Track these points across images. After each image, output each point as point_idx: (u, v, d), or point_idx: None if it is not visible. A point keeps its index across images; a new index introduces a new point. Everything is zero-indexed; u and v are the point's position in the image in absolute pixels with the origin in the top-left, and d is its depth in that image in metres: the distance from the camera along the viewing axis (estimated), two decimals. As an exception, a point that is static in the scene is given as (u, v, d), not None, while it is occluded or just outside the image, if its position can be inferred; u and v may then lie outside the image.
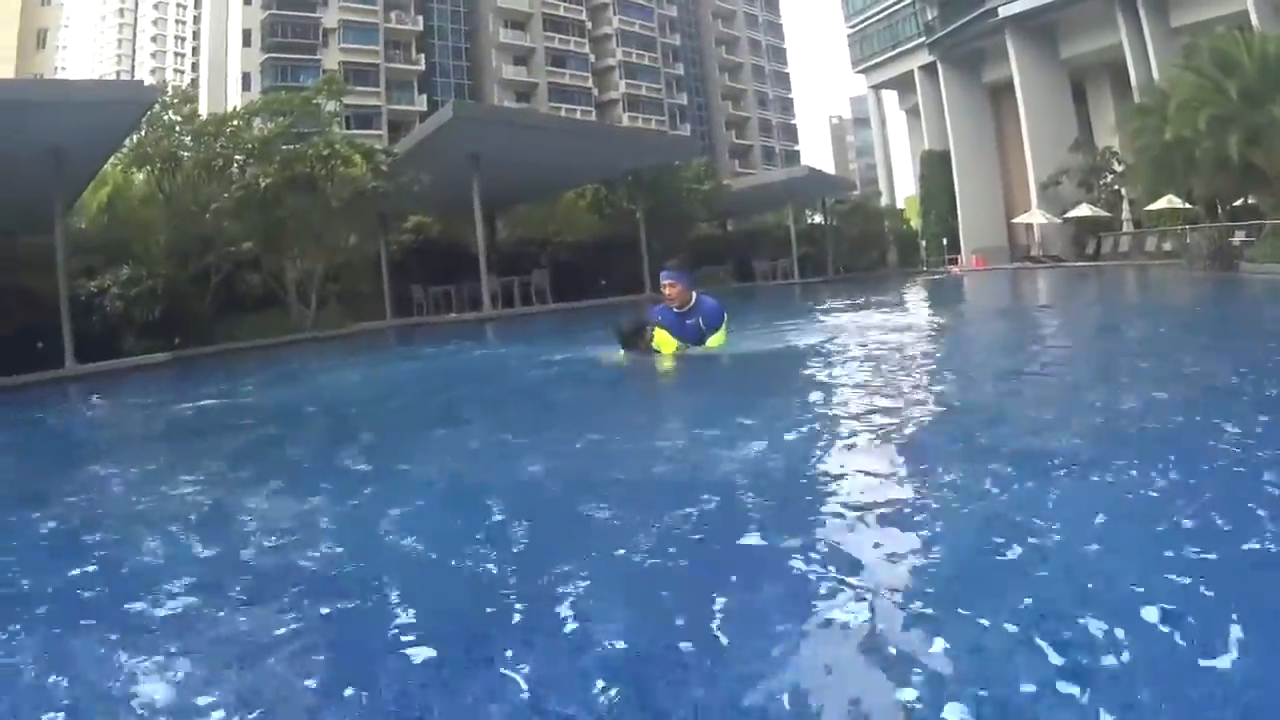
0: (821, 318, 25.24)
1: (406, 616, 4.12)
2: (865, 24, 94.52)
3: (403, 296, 44.03)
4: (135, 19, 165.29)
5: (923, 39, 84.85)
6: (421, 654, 3.68)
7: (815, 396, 10.12)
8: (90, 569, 5.45)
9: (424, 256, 46.98)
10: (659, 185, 54.28)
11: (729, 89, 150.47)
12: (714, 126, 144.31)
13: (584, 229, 55.85)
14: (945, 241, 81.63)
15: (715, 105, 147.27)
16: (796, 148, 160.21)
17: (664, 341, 12.91)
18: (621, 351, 12.43)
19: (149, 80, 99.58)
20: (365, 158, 39.37)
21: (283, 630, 4.07)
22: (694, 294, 13.38)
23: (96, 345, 29.86)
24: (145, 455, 10.90)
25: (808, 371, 12.84)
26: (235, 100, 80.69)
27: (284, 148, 37.76)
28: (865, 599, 3.74)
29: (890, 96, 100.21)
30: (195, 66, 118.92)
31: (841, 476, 6.01)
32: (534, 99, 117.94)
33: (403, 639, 3.84)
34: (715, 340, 13.24)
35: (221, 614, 4.35)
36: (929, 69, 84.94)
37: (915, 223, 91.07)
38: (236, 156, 37.68)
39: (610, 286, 46.18)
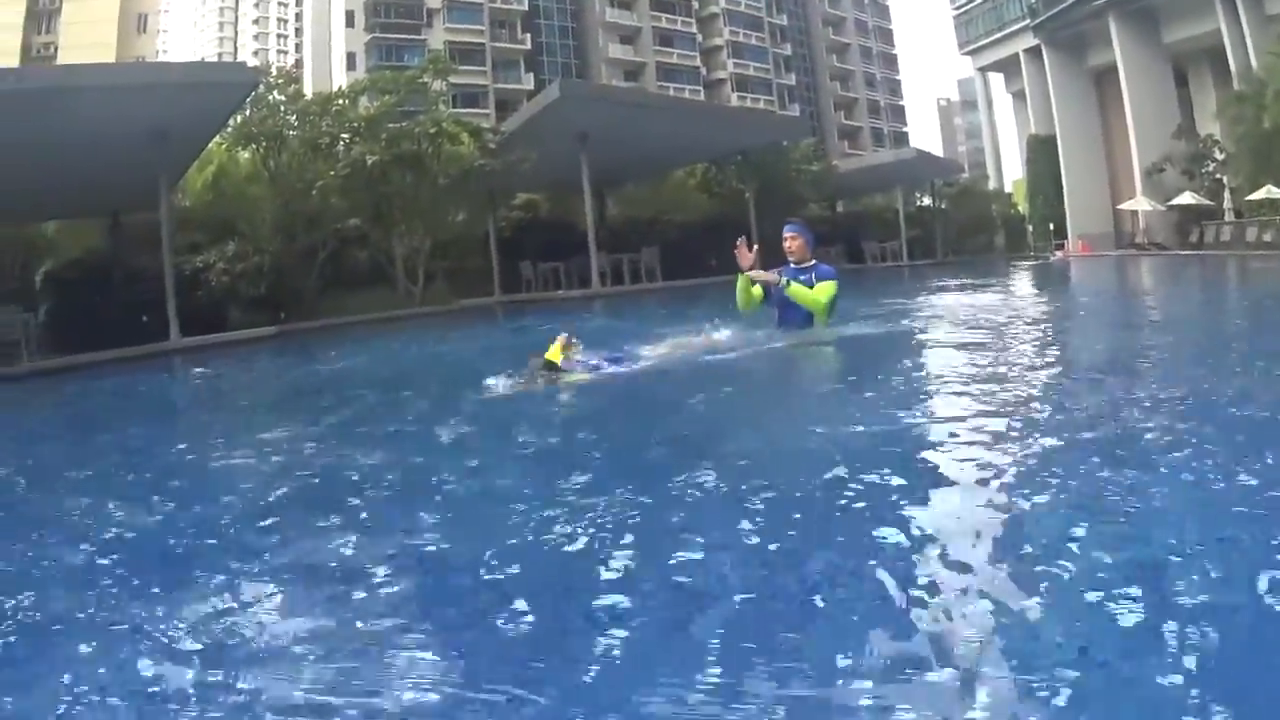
0: (940, 299, 25.19)
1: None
2: (971, 5, 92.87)
3: (511, 273, 43.67)
4: (237, 1, 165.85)
5: (1027, 22, 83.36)
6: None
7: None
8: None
9: (533, 233, 46.66)
10: (768, 166, 53.46)
11: (836, 69, 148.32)
12: (822, 107, 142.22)
13: (693, 208, 55.06)
14: (1052, 227, 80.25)
15: (823, 86, 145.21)
16: (905, 129, 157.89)
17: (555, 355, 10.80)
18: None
19: (251, 62, 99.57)
20: (473, 136, 39.70)
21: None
22: (812, 256, 13.09)
23: (200, 319, 30.44)
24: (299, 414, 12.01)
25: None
26: (340, 80, 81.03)
27: (390, 126, 37.96)
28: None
29: (997, 79, 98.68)
30: (298, 47, 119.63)
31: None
32: (642, 78, 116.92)
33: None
34: (820, 291, 12.68)
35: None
36: (1034, 52, 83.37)
37: (1022, 207, 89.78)
38: (343, 135, 38.05)
39: (720, 266, 45.41)
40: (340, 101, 40.09)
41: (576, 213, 44.12)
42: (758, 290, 12.83)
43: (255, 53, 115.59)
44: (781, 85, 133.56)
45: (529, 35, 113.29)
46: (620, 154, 42.90)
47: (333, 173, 36.67)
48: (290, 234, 36.85)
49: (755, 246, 12.86)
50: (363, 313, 34.47)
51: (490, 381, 10.28)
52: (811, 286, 12.67)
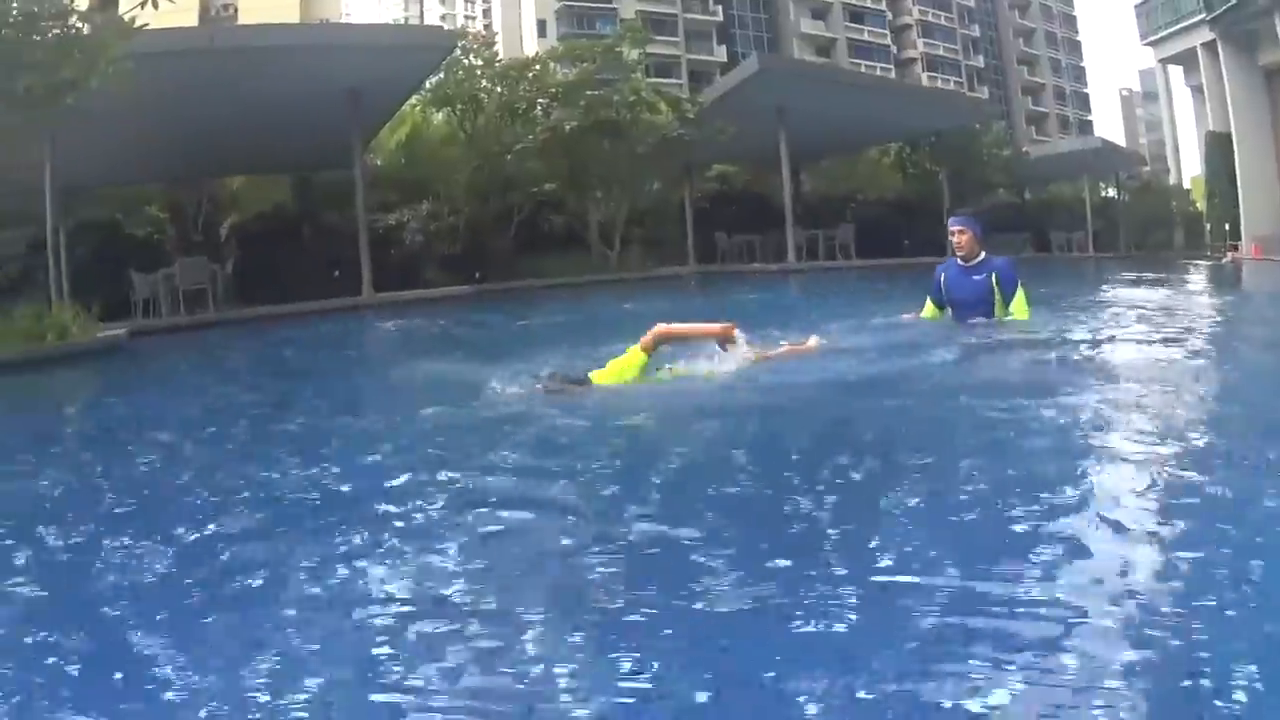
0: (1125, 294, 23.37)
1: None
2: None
3: (706, 244, 41.84)
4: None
5: (1203, 16, 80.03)
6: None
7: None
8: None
9: (728, 205, 45.18)
10: (959, 148, 51.94)
11: (1023, 53, 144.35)
12: (1010, 91, 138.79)
13: (886, 187, 53.90)
14: (1228, 227, 77.15)
15: (1010, 69, 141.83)
16: (1089, 117, 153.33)
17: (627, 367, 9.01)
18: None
19: (431, 24, 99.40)
20: (670, 106, 38.82)
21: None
22: (983, 250, 11.67)
23: (392, 276, 30.87)
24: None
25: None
26: (531, 46, 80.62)
27: (589, 93, 37.15)
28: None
29: (1176, 72, 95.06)
30: (486, 13, 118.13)
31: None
32: (834, 54, 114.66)
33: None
34: (1018, 310, 11.36)
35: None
36: (1210, 46, 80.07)
37: (1200, 205, 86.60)
38: (540, 100, 37.84)
39: (912, 247, 43.64)
40: (536, 68, 39.88)
41: (771, 186, 43.35)
42: (930, 310, 12.05)
43: (442, 17, 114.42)
44: (970, 67, 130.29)
45: (720, 7, 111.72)
46: (816, 130, 41.41)
47: (531, 137, 36.24)
48: (484, 196, 37.29)
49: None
50: (558, 276, 34.13)
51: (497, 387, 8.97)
52: (986, 287, 11.44)
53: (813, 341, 10.63)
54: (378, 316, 25.73)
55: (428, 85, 36.09)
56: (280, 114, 29.24)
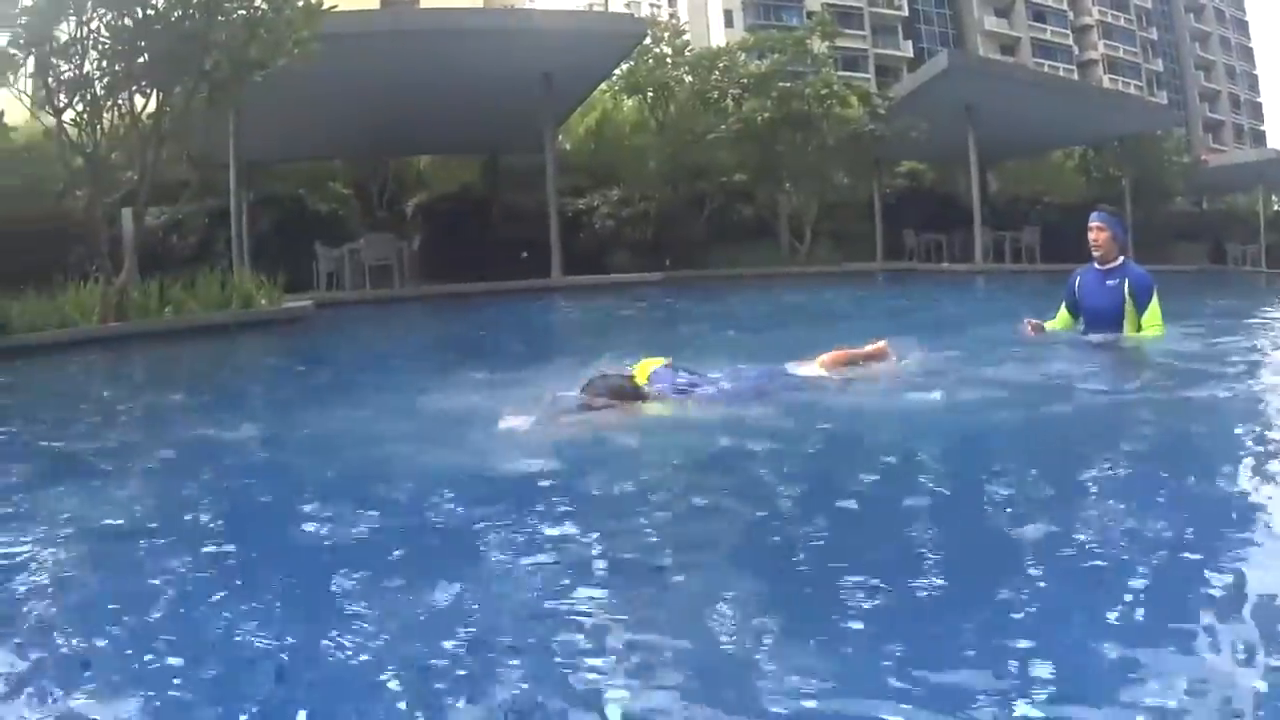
0: None
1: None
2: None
3: (893, 241, 40.58)
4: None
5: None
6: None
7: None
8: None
9: (915, 203, 43.58)
10: (1139, 154, 49.54)
11: (1200, 59, 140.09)
12: (1187, 97, 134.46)
13: (1069, 191, 51.54)
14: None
15: (1188, 75, 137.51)
16: (1262, 127, 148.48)
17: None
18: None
19: (620, 12, 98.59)
20: (861, 100, 37.92)
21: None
22: (1120, 255, 10.24)
23: (581, 260, 30.73)
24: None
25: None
26: (718, 37, 80.00)
27: (780, 85, 35.88)
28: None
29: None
30: (671, 1, 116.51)
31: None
32: (1017, 53, 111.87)
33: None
34: (1151, 325, 10.00)
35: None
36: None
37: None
38: (732, 90, 36.76)
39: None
40: (727, 58, 38.77)
41: (958, 185, 43.04)
42: (1063, 318, 10.79)
43: (627, 4, 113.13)
44: (1149, 71, 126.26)
45: (905, 1, 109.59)
46: (1003, 129, 40.19)
47: (724, 126, 35.22)
48: (674, 184, 36.84)
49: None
50: (747, 267, 33.01)
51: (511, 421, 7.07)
52: (1119, 295, 10.08)
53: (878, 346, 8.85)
54: (566, 299, 25.71)
55: (618, 72, 35.95)
56: (469, 96, 29.33)
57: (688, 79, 38.02)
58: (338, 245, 28.85)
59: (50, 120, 18.18)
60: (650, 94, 38.17)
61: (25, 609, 3.85)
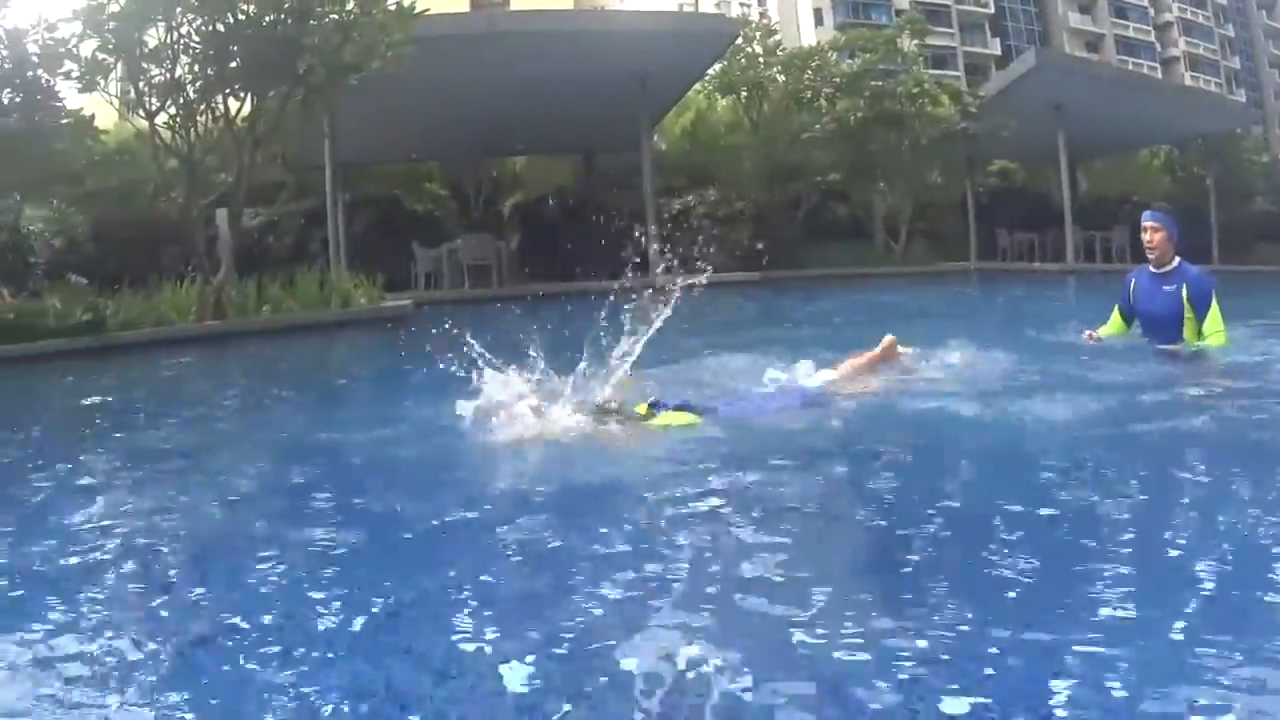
0: None
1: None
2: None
3: (986, 240, 39.90)
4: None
5: None
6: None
7: None
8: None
9: (1007, 202, 42.65)
10: (1219, 153, 48.22)
11: (1275, 56, 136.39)
12: (1264, 95, 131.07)
13: (1153, 190, 49.54)
14: None
15: (1263, 72, 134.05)
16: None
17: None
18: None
19: (711, 12, 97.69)
20: (952, 98, 36.87)
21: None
22: (1176, 256, 9.33)
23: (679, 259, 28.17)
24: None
25: None
26: (808, 35, 78.63)
27: (873, 84, 35.19)
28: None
29: None
30: (761, 0, 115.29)
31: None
32: (1101, 50, 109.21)
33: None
34: (1212, 332, 9.04)
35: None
36: None
37: None
38: (825, 90, 35.66)
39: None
40: (818, 57, 37.71)
41: (1048, 184, 41.61)
42: (1116, 323, 9.90)
43: (716, 4, 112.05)
44: (1228, 68, 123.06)
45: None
46: (1091, 128, 38.68)
47: (818, 126, 34.19)
48: (769, 183, 35.37)
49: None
50: (842, 266, 32.21)
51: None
52: (1177, 301, 9.19)
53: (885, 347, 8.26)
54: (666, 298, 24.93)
55: (711, 72, 34.73)
56: (564, 97, 28.88)
57: (780, 78, 36.83)
58: (435, 245, 28.70)
59: (142, 123, 18.23)
60: (744, 94, 36.94)
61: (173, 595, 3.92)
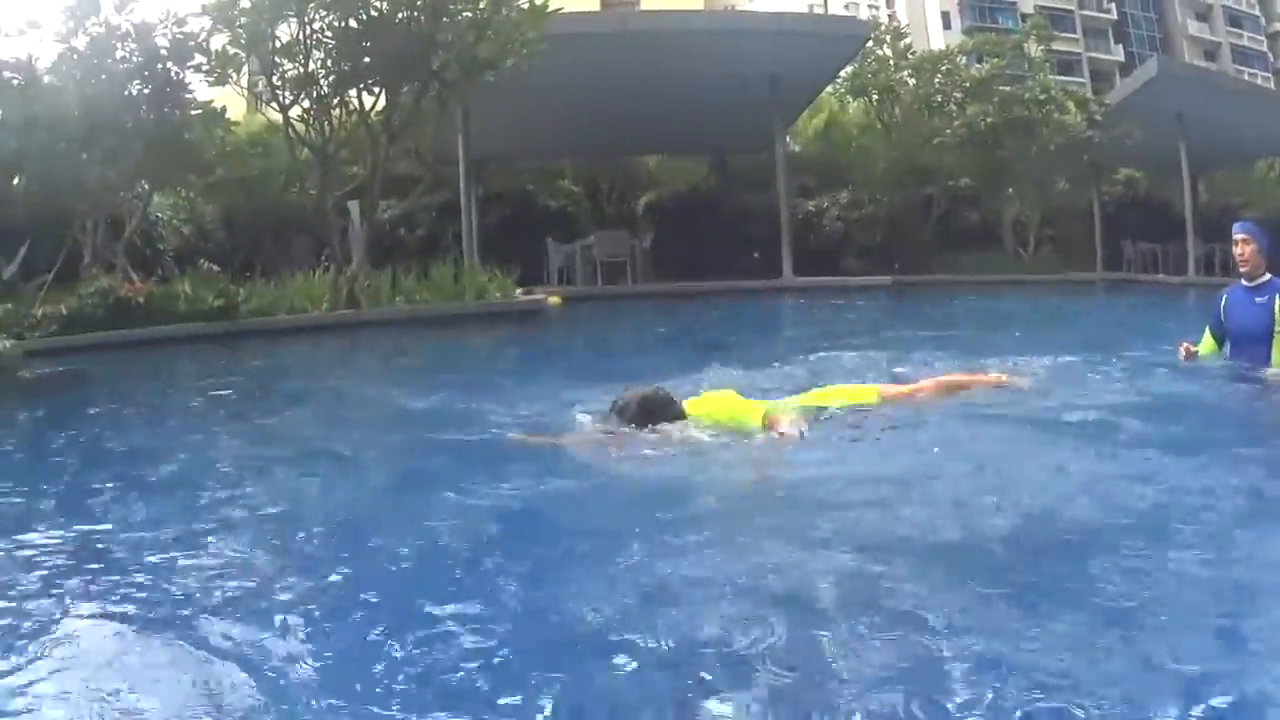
0: None
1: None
2: None
3: (1112, 249, 37.97)
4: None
5: None
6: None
7: None
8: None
9: (1133, 211, 40.88)
10: None
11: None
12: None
13: (1272, 203, 47.65)
14: None
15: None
16: None
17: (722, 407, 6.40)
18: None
19: (842, 14, 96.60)
20: (1078, 106, 35.26)
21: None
22: (1268, 270, 8.45)
23: (810, 261, 29.17)
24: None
25: None
26: (936, 38, 76.95)
27: (1001, 89, 34.40)
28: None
29: None
30: (890, 2, 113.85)
31: None
32: (1218, 59, 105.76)
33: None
34: None
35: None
36: None
37: None
38: (955, 94, 34.68)
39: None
40: (948, 61, 36.82)
41: (1170, 194, 39.49)
42: (1208, 343, 8.82)
43: (846, 5, 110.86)
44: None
45: (1113, 4, 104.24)
46: (1212, 138, 36.85)
47: (949, 130, 33.07)
48: (901, 187, 34.09)
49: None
50: (973, 272, 31.19)
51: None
52: (1268, 316, 8.29)
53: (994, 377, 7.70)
54: (798, 299, 24.89)
55: (843, 74, 33.80)
56: (696, 96, 27.65)
57: (911, 82, 35.69)
58: (568, 241, 28.39)
59: (274, 115, 18.92)
60: (875, 96, 35.65)
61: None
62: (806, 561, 4.07)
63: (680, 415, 6.10)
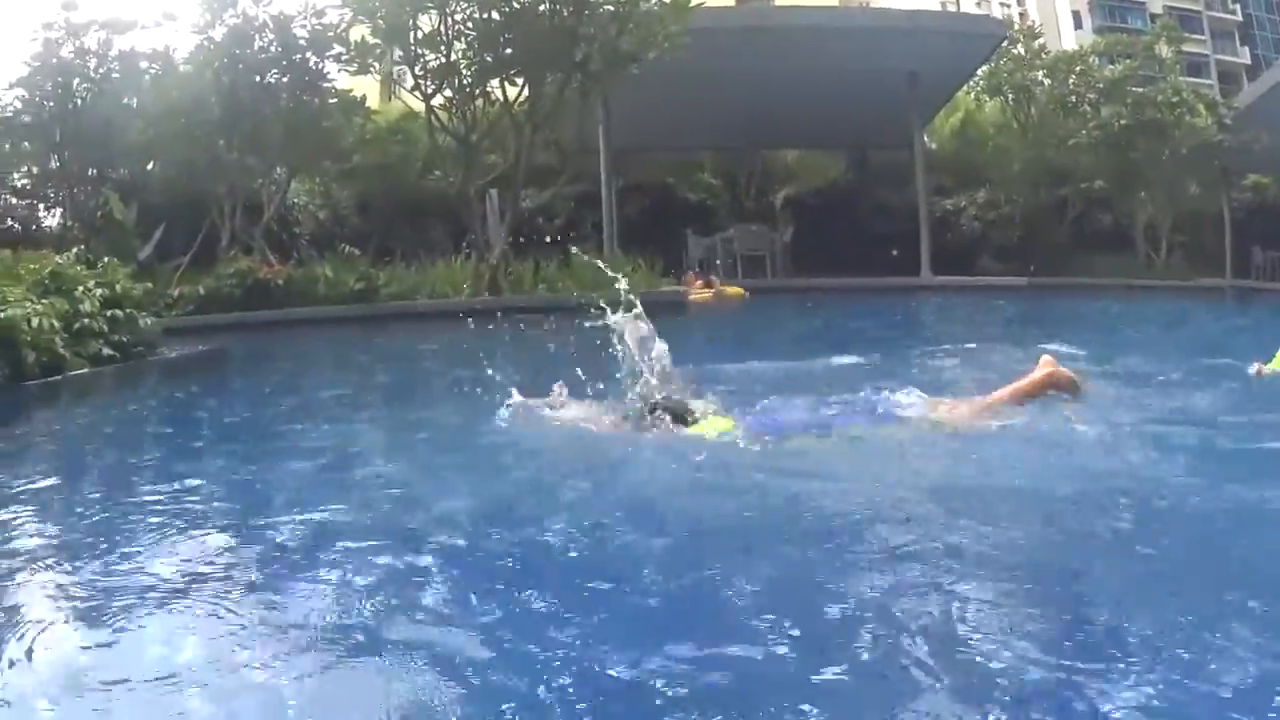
0: None
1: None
2: None
3: (1241, 256, 36.28)
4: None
5: None
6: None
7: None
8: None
9: (1259, 218, 38.67)
10: None
11: None
12: None
13: None
14: None
15: None
16: None
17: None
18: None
19: (973, 13, 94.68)
20: (1208, 108, 33.90)
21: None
22: None
23: (947, 260, 28.57)
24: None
25: None
26: (1068, 37, 74.65)
27: (1133, 90, 32.99)
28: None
29: None
30: (1021, 2, 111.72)
31: None
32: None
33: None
34: None
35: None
36: None
37: None
38: (1089, 95, 33.37)
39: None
40: (1082, 62, 35.43)
41: None
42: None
43: (978, 4, 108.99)
44: None
45: (1238, 6, 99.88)
46: None
47: (1084, 131, 31.93)
48: (1037, 188, 33.50)
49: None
50: (1105, 275, 30.18)
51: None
52: None
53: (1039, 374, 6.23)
54: (938, 298, 24.02)
55: (979, 72, 33.08)
56: (832, 92, 27.34)
57: (1045, 81, 34.65)
58: (708, 234, 28.25)
59: (414, 103, 19.54)
60: (1011, 96, 34.89)
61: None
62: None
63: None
